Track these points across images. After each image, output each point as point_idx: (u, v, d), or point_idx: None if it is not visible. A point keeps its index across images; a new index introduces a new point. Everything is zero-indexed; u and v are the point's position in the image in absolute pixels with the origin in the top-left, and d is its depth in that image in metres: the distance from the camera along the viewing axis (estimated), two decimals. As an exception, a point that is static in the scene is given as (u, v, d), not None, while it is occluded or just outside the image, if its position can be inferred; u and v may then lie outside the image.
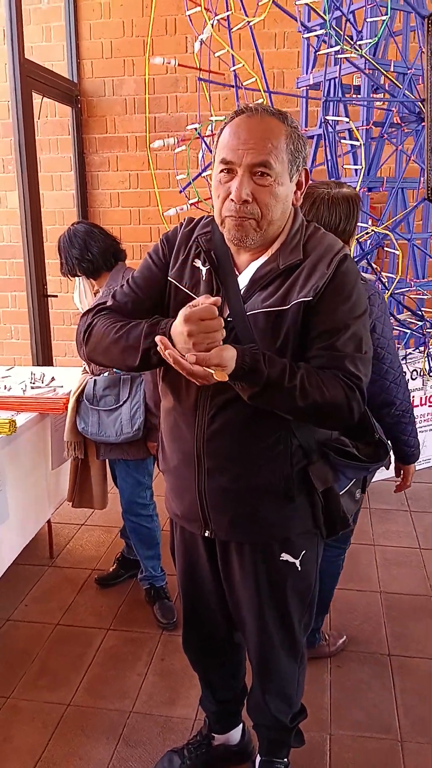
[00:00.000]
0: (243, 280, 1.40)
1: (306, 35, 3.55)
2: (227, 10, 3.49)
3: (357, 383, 1.34)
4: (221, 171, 1.33)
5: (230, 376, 1.24)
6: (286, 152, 1.30)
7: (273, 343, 1.35)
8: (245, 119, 1.31)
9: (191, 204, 3.84)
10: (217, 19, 3.50)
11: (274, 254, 1.39)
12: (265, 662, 1.67)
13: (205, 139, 3.69)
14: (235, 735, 1.94)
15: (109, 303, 1.50)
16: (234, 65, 3.56)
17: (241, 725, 1.96)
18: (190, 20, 3.63)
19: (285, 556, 1.53)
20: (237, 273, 1.42)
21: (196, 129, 3.64)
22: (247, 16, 3.50)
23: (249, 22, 3.42)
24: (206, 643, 1.80)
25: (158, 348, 1.25)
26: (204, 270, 1.42)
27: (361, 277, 1.94)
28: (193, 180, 3.75)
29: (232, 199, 1.32)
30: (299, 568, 1.55)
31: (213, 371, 1.21)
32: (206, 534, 1.55)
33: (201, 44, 3.57)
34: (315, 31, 3.43)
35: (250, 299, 1.38)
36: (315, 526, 1.53)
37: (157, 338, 1.24)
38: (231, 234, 1.36)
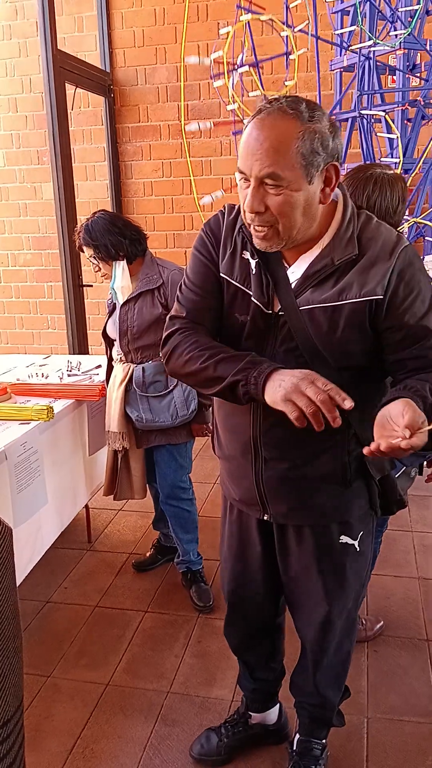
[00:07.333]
0: (295, 273, 1.37)
1: (338, 31, 3.52)
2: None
3: None
4: (240, 179, 1.30)
5: None
6: (298, 157, 1.21)
7: (331, 339, 1.33)
8: (257, 124, 1.24)
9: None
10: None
11: (327, 248, 1.34)
12: (322, 641, 1.68)
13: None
14: (272, 715, 1.96)
15: (182, 313, 1.48)
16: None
17: (278, 705, 1.97)
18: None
19: (344, 538, 1.55)
20: (286, 265, 1.39)
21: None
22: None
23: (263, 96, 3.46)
24: (249, 625, 1.82)
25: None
26: (253, 263, 1.40)
27: None
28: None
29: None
30: (358, 549, 1.57)
31: (425, 428, 1.14)
32: (265, 518, 1.56)
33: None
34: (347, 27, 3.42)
35: (303, 294, 1.35)
36: (371, 508, 1.55)
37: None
38: (256, 243, 1.34)
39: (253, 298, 1.39)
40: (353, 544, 1.56)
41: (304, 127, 1.22)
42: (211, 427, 2.03)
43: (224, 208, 1.48)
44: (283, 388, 1.21)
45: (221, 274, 1.44)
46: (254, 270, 1.40)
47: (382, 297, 1.29)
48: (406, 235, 3.42)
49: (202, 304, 1.47)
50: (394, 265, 1.29)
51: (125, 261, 2.47)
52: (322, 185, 1.28)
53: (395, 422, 1.14)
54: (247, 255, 1.41)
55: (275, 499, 1.51)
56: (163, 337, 1.49)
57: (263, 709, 1.94)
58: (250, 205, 1.27)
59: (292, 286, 1.36)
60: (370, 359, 1.37)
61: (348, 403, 1.17)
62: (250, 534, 1.65)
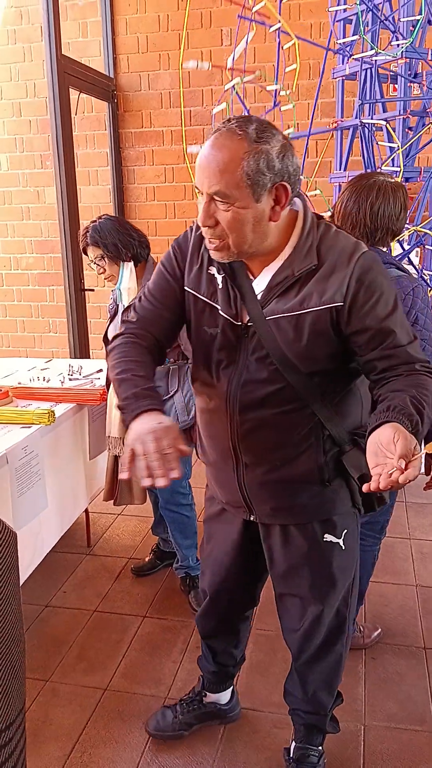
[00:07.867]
0: (260, 285, 1.42)
1: (341, 40, 3.53)
2: None
3: (430, 367, 1.38)
4: (198, 192, 1.36)
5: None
6: (244, 177, 1.26)
7: (298, 346, 1.38)
8: (209, 143, 1.30)
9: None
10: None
11: (288, 260, 1.38)
12: (312, 639, 1.71)
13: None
14: (226, 695, 2.06)
15: (134, 319, 1.56)
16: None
17: (232, 687, 2.06)
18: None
19: (328, 537, 1.59)
20: (252, 277, 1.43)
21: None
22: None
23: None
24: (224, 615, 1.88)
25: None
26: (219, 278, 1.45)
27: (403, 269, 1.95)
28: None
29: None
30: (343, 547, 1.61)
31: (418, 455, 1.16)
32: (251, 518, 1.62)
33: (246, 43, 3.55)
34: (348, 38, 3.42)
35: (268, 305, 1.40)
36: (353, 506, 1.59)
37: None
38: (211, 254, 1.41)
39: (221, 312, 1.44)
40: (338, 543, 1.60)
41: (251, 148, 1.26)
42: None
43: (193, 224, 1.52)
44: (135, 432, 1.30)
45: (187, 289, 1.49)
46: (221, 285, 1.44)
47: (342, 303, 1.34)
48: (407, 243, 3.44)
49: (153, 314, 1.54)
50: (353, 272, 1.34)
51: (132, 263, 2.48)
52: (272, 204, 1.32)
53: (387, 450, 1.17)
54: (213, 271, 1.46)
55: (258, 501, 1.57)
56: (110, 345, 1.56)
57: (218, 690, 2.04)
58: (201, 219, 1.34)
59: (258, 297, 1.41)
60: (338, 363, 1.42)
61: (173, 474, 1.24)
62: (237, 533, 1.70)
